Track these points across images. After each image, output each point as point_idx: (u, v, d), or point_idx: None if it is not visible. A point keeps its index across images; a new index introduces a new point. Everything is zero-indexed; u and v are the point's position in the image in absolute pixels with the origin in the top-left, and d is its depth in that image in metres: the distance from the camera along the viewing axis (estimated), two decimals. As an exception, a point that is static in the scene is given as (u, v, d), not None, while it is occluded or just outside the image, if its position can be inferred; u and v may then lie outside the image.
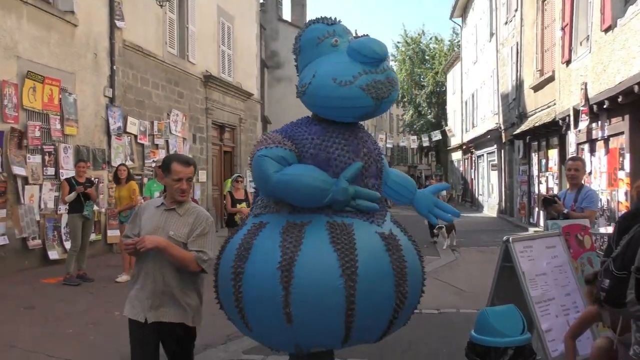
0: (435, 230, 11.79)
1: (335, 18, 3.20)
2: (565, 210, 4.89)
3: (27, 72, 8.16)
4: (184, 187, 2.93)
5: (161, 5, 10.88)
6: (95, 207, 9.35)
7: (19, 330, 5.22)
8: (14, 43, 8.03)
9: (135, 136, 11.04)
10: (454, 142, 31.52)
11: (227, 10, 15.48)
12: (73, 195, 7.33)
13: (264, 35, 22.09)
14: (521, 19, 16.14)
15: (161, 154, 11.71)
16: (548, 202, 5.08)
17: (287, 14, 30.82)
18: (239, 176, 8.76)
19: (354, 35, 3.16)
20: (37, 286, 7.18)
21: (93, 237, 9.18)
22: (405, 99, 38.83)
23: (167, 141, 12.15)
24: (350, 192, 2.83)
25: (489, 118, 22.05)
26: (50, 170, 8.72)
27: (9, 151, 7.86)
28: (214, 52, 14.80)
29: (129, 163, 10.53)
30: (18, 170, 7.99)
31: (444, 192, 25.97)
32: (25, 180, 8.19)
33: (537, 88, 14.76)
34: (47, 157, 8.65)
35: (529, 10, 15.51)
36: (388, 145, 31.23)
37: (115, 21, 10.28)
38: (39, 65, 8.48)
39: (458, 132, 29.98)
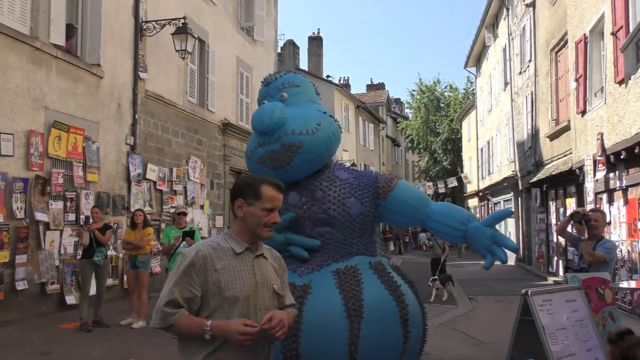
0: (429, 283, 10.90)
1: (276, 73, 3.49)
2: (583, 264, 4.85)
3: (53, 122, 8.46)
4: (277, 220, 2.13)
5: (183, 58, 11.26)
6: (112, 252, 9.47)
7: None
8: (42, 95, 8.36)
9: (155, 182, 11.24)
10: (470, 188, 31.42)
11: (246, 61, 15.95)
12: (86, 237, 7.45)
13: (281, 84, 22.57)
14: (535, 69, 16.37)
15: (179, 200, 11.89)
16: (576, 216, 4.94)
17: (304, 64, 31.53)
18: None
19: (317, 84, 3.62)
20: (55, 331, 7.21)
21: (110, 282, 9.26)
22: (421, 146, 39.07)
23: (185, 187, 12.34)
24: (278, 239, 3.00)
25: (505, 165, 22.04)
26: (71, 216, 8.88)
27: (33, 198, 8.05)
28: (232, 101, 15.17)
29: (147, 209, 10.70)
30: (40, 216, 8.16)
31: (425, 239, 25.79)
32: (47, 226, 8.35)
33: (553, 137, 14.80)
34: (68, 204, 8.84)
35: (542, 61, 15.75)
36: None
37: (139, 73, 10.66)
38: (65, 115, 8.78)
39: (474, 178, 29.93)
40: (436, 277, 11.02)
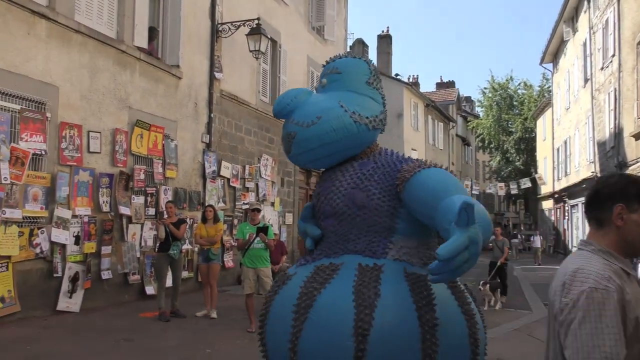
0: (480, 287, 10.14)
1: (336, 57, 3.13)
2: None
3: (136, 120, 8.93)
4: None
5: (257, 58, 11.54)
6: (187, 246, 9.87)
7: None
8: (127, 95, 8.84)
9: (228, 179, 11.59)
10: (545, 190, 30.17)
11: (316, 60, 16.09)
12: (162, 231, 7.80)
13: (350, 83, 22.62)
14: (619, 64, 15.49)
15: (251, 197, 12.20)
16: None
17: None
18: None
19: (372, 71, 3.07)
20: (135, 319, 7.61)
21: (185, 274, 9.66)
22: (492, 145, 37.93)
23: (257, 184, 12.64)
24: (300, 229, 2.98)
25: (584, 166, 21.01)
26: (151, 211, 9.34)
27: (117, 192, 8.54)
28: (303, 100, 15.35)
29: (221, 205, 11.07)
30: (124, 210, 8.64)
31: (539, 244, 24.69)
32: (129, 220, 8.82)
33: (638, 136, 13.96)
34: (149, 198, 9.29)
35: (627, 55, 14.88)
36: (474, 192, 30.45)
37: (215, 73, 11.03)
38: (146, 114, 9.24)
39: (549, 180, 28.72)
40: (487, 281, 10.34)
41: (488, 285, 10.08)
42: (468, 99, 49.79)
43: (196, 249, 10.33)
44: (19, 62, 7.01)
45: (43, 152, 7.31)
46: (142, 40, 9.15)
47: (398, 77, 30.64)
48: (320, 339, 2.36)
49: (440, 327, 2.37)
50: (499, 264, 11.08)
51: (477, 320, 2.54)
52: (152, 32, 9.69)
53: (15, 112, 6.98)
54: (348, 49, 21.19)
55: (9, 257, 6.77)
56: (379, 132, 3.01)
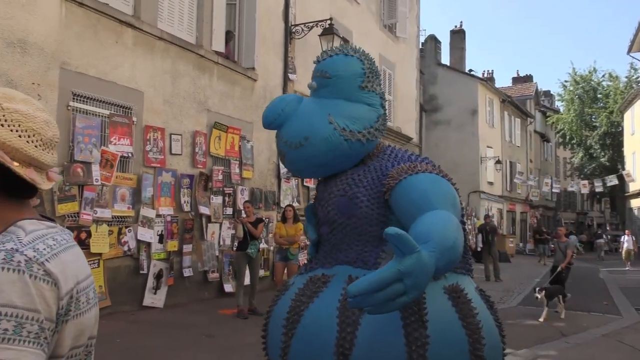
0: (536, 294, 9.20)
1: (324, 53, 2.77)
2: None
3: (214, 123, 9.21)
4: None
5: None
6: (264, 245, 10.05)
7: (202, 357, 5.73)
8: (205, 98, 9.14)
9: (302, 179, 11.72)
10: (634, 187, 28.32)
11: (389, 58, 15.97)
12: (240, 230, 7.98)
13: (422, 80, 22.27)
14: None
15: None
16: None
17: (445, 58, 30.79)
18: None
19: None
20: (215, 316, 7.84)
21: (262, 273, 9.85)
22: (574, 141, 36.08)
23: (330, 184, 12.68)
24: (305, 230, 2.88)
25: (678, 162, 19.52)
26: (229, 210, 9.60)
27: (197, 193, 8.84)
28: (375, 99, 15.28)
29: (295, 204, 11.19)
30: (203, 209, 8.93)
31: (631, 245, 23.03)
32: (209, 219, 9.11)
33: None
34: (227, 198, 9.56)
35: None
36: (554, 190, 29.10)
37: (288, 74, 11.18)
38: (224, 116, 9.51)
39: (638, 177, 26.93)
40: (545, 286, 9.33)
41: (544, 292, 9.09)
42: (547, 93, 47.64)
43: (272, 248, 10.53)
44: (108, 70, 7.41)
45: (130, 155, 7.70)
46: (219, 44, 9.42)
47: (472, 72, 29.79)
48: (305, 355, 2.29)
49: (433, 345, 2.18)
50: (559, 268, 9.93)
51: (482, 335, 2.29)
52: (228, 36, 9.96)
53: (105, 117, 7.39)
54: (420, 46, 20.85)
55: (100, 254, 7.17)
56: (378, 140, 2.72)
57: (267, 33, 10.68)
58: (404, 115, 17.06)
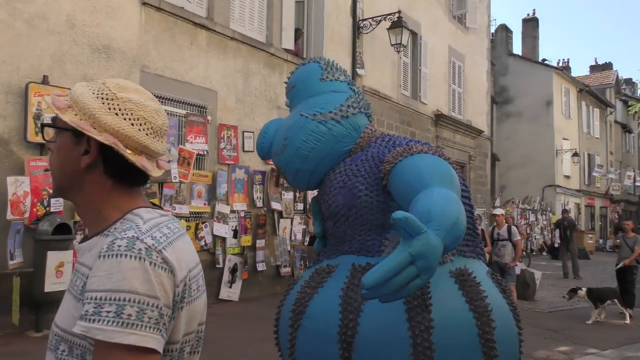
0: (565, 295, 8.51)
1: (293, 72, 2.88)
2: None
3: (285, 119, 9.34)
4: None
5: (398, 51, 11.46)
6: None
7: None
8: (275, 96, 9.29)
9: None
10: None
11: (458, 50, 15.59)
12: (312, 224, 8.04)
13: (493, 71, 21.59)
14: None
15: (394, 192, 12.17)
16: None
17: (517, 48, 29.70)
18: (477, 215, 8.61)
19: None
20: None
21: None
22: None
23: (399, 180, 12.57)
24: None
25: None
26: (300, 206, 9.72)
27: (269, 189, 9.02)
28: (444, 92, 14.98)
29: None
30: (275, 205, 9.09)
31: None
32: (280, 214, 9.27)
33: None
34: (297, 194, 9.68)
35: None
36: (638, 184, 27.44)
37: (357, 69, 11.16)
38: (294, 113, 9.63)
39: None
40: (591, 287, 8.50)
41: (582, 292, 8.22)
42: (629, 81, 44.85)
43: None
44: (184, 71, 7.69)
45: (205, 152, 7.96)
46: (288, 42, 9.54)
47: (546, 62, 28.54)
48: (311, 347, 2.28)
49: (439, 329, 2.12)
50: (620, 265, 9.04)
51: (491, 318, 2.22)
52: (297, 33, 10.07)
53: (182, 116, 7.67)
54: (491, 36, 20.21)
55: (179, 248, 7.46)
56: (362, 117, 2.69)
57: (335, 29, 10.70)
58: (474, 108, 16.62)
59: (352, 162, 2.57)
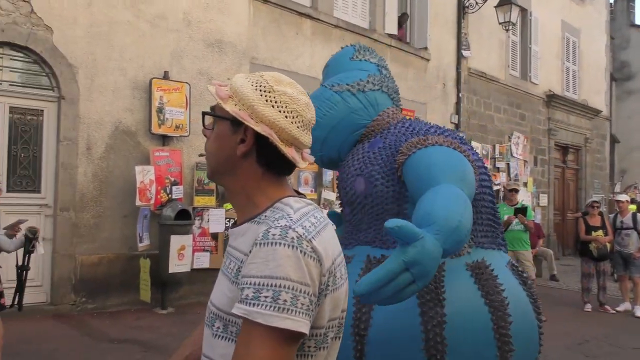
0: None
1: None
2: None
3: (389, 105, 9.28)
4: None
5: (507, 30, 10.93)
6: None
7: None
8: (379, 81, 9.24)
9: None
10: None
11: (572, 24, 14.53)
12: None
13: (612, 45, 19.91)
14: None
15: (502, 178, 11.68)
16: None
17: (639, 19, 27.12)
18: (594, 201, 8.07)
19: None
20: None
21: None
22: None
23: (508, 164, 12.06)
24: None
25: None
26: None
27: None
28: (557, 70, 14.07)
29: (471, 186, 10.85)
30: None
31: None
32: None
33: None
34: (402, 180, 9.62)
35: None
36: None
37: (462, 51, 10.79)
38: (398, 98, 9.53)
39: None
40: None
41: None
42: None
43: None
44: (290, 61, 7.87)
45: (311, 140, 8.12)
46: (392, 26, 9.43)
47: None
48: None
49: (452, 323, 2.08)
50: None
51: (507, 312, 2.16)
52: (403, 18, 9.92)
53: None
54: (609, 7, 18.62)
55: (288, 233, 7.71)
56: (383, 96, 2.72)
57: (439, 10, 10.41)
58: (590, 86, 15.45)
59: (370, 148, 2.58)
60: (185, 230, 6.34)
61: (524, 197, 12.23)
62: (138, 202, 6.10)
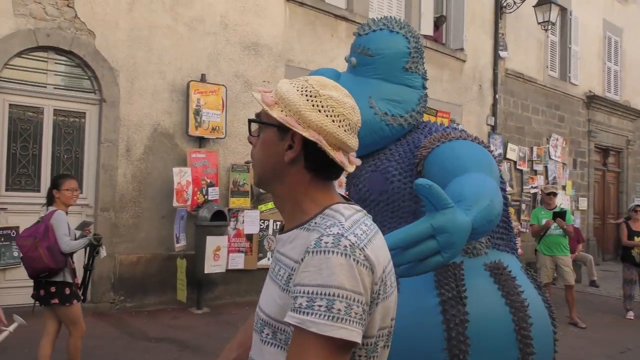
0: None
1: (365, 26, 2.56)
2: None
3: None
4: None
5: (546, 29, 10.70)
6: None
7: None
8: (415, 82, 9.17)
9: (515, 162, 11.07)
10: None
11: (615, 23, 14.12)
12: None
13: (656, 44, 19.26)
14: None
15: (539, 181, 11.44)
16: None
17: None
18: (637, 206, 7.84)
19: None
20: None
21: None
22: None
23: (546, 167, 11.79)
24: None
25: None
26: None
27: (408, 177, 8.96)
28: (598, 70, 13.69)
29: (508, 189, 10.63)
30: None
31: None
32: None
33: None
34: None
35: None
36: None
37: (499, 52, 10.60)
38: (433, 100, 9.36)
39: None
40: None
41: None
42: None
43: (483, 234, 10.17)
44: (325, 63, 7.86)
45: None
46: (427, 28, 9.34)
47: None
48: None
49: (474, 323, 2.01)
50: None
51: (528, 314, 2.09)
52: (440, 20, 9.81)
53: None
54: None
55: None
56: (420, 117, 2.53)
57: (476, 10, 10.25)
58: (634, 86, 14.98)
59: (386, 146, 2.49)
60: (220, 231, 6.41)
61: (562, 201, 11.95)
62: (175, 203, 6.20)
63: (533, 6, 10.50)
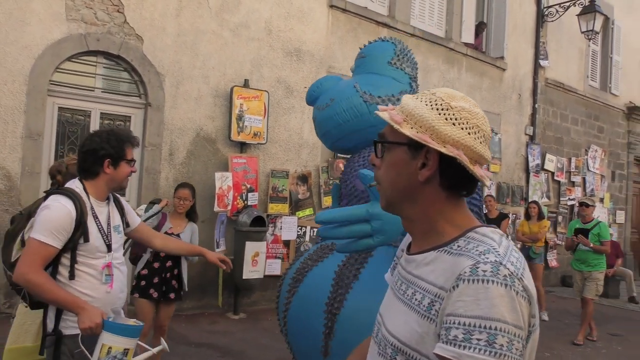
0: None
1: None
2: None
3: (463, 116, 9.08)
4: None
5: (590, 39, 10.48)
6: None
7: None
8: (454, 91, 9.06)
9: (552, 173, 10.87)
10: None
11: (658, 33, 13.77)
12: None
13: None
14: None
15: (577, 193, 11.20)
16: None
17: None
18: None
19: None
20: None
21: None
22: None
23: (584, 178, 11.54)
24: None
25: None
26: (475, 205, 9.39)
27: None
28: (639, 81, 13.36)
29: (544, 200, 10.45)
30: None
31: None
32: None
33: None
34: (473, 193, 9.37)
35: None
36: None
37: (540, 61, 10.42)
38: (472, 108, 9.30)
39: None
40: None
41: None
42: None
43: (517, 246, 10.00)
44: (366, 70, 7.83)
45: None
46: (468, 36, 9.23)
47: None
48: (301, 312, 2.46)
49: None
50: None
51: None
52: (480, 27, 9.69)
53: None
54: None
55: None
56: None
57: (517, 19, 10.10)
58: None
59: None
60: (259, 237, 6.41)
61: (599, 214, 11.68)
62: (216, 208, 6.22)
63: (577, 15, 10.29)
